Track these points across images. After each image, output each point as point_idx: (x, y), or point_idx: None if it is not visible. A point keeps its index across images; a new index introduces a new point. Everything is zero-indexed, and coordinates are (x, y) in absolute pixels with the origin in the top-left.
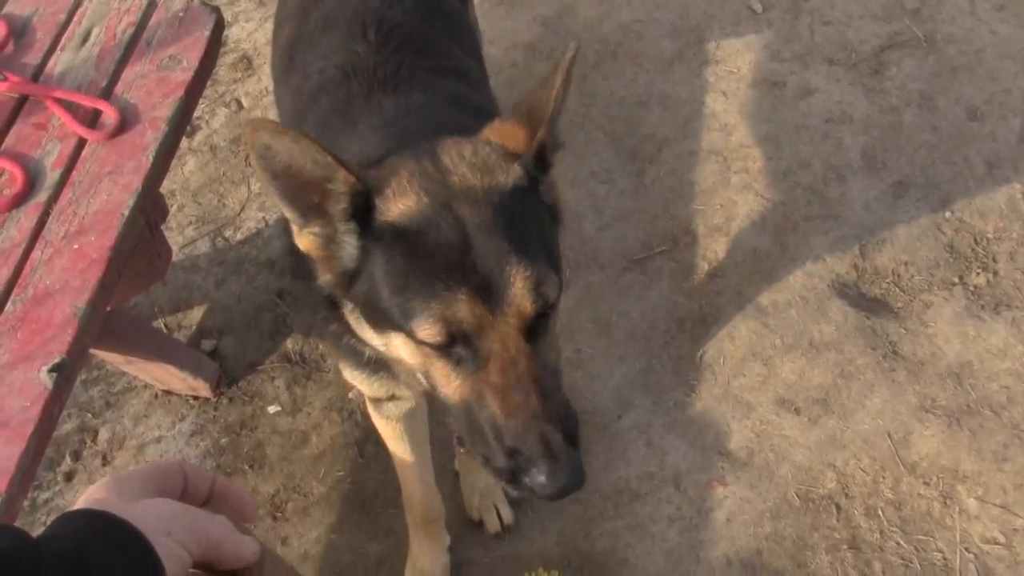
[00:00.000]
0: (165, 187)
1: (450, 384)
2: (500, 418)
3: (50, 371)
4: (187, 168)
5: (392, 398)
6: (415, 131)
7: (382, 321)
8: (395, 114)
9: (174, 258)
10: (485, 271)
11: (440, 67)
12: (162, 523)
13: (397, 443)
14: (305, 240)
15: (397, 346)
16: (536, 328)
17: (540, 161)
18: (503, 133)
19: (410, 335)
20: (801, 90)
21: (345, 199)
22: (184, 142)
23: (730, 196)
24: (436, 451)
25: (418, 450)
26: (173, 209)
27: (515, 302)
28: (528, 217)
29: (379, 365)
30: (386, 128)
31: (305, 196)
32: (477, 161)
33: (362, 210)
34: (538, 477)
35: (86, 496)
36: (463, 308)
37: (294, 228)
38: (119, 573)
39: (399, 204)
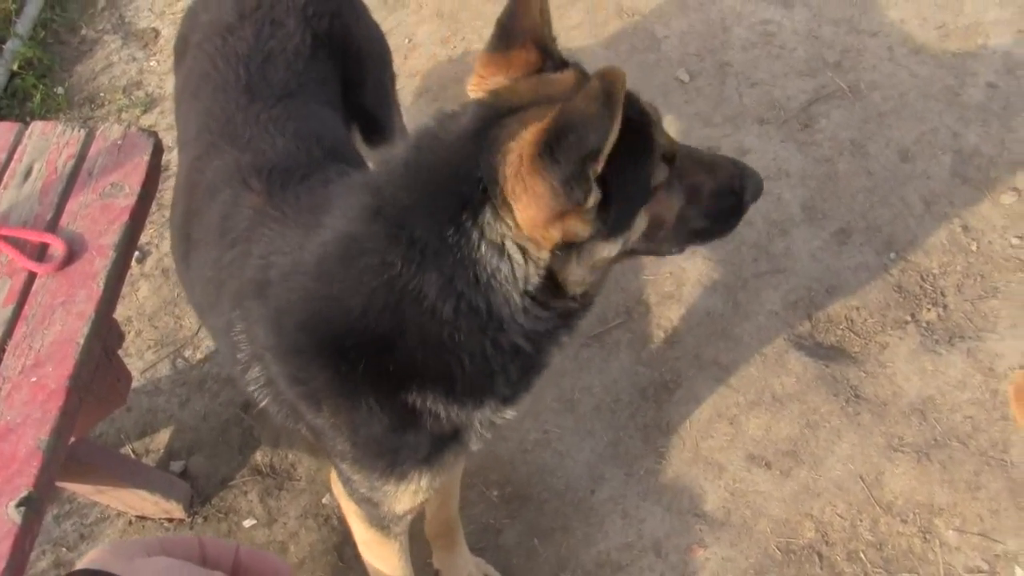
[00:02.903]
0: (121, 314)
1: (674, 206)
2: (714, 181)
3: (17, 506)
4: (141, 293)
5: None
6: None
7: (629, 214)
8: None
9: (136, 383)
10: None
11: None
12: None
13: (397, 565)
14: (580, 224)
15: (638, 225)
16: None
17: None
18: (510, 64)
19: (648, 197)
20: (736, 151)
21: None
22: (136, 268)
23: (678, 263)
24: (415, 547)
25: (407, 560)
26: (131, 335)
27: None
28: None
29: (446, 443)
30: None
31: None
32: (557, 81)
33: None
34: (756, 179)
35: (85, 559)
36: (664, 137)
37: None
38: None
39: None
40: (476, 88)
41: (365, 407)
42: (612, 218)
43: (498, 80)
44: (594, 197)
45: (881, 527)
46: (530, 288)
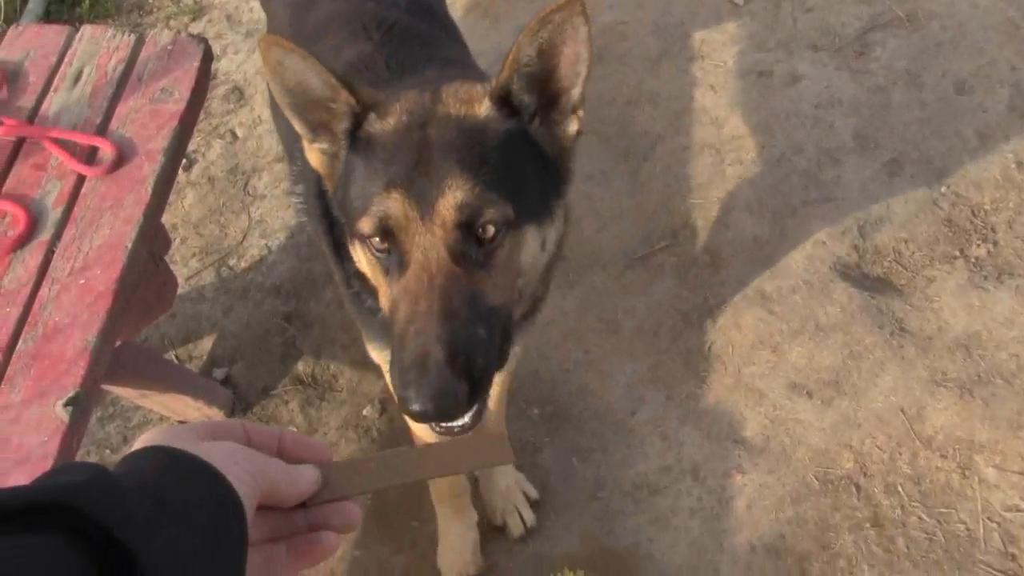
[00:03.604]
0: (167, 221)
1: (383, 291)
2: (401, 324)
3: (65, 405)
4: (187, 201)
5: None
6: None
7: (349, 226)
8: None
9: (181, 290)
10: (427, 178)
11: (447, 58)
12: (226, 456)
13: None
14: (313, 155)
15: (358, 257)
16: (470, 250)
17: (504, 101)
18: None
19: (357, 235)
20: (788, 78)
21: (347, 119)
22: (182, 176)
23: (726, 187)
24: None
25: None
26: (176, 242)
27: (441, 210)
28: (495, 147)
29: None
30: None
31: (313, 113)
32: (463, 95)
33: (358, 127)
34: (402, 391)
35: (143, 439)
36: (394, 204)
37: (304, 144)
38: (196, 500)
39: (383, 122)
40: None
41: (339, 269)
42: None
43: None
44: (322, 145)
45: (920, 461)
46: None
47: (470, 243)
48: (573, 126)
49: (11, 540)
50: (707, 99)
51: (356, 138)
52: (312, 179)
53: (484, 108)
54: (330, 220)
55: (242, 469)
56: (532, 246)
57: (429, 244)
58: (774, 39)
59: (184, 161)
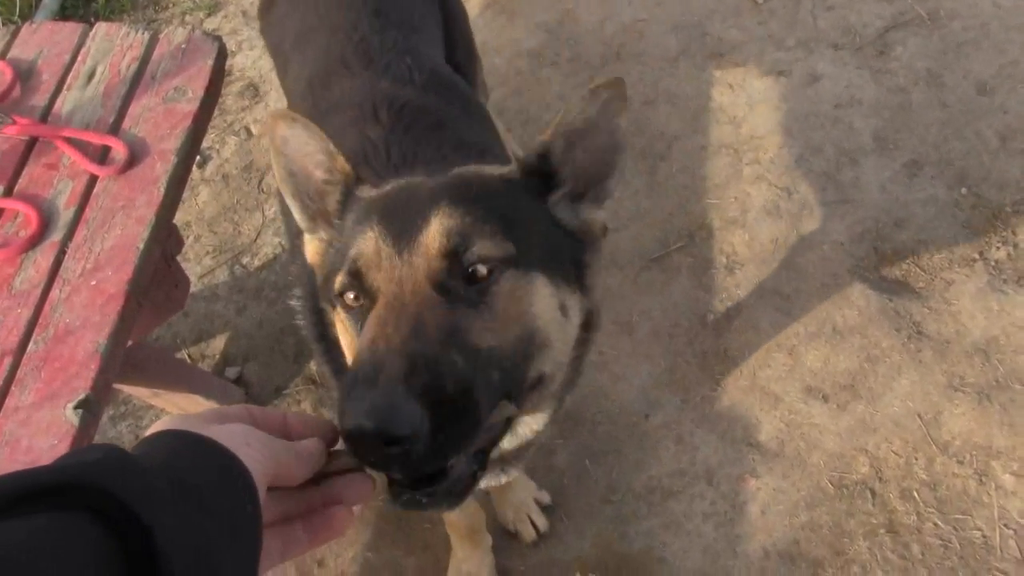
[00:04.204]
0: (181, 219)
1: (349, 344)
2: (358, 350)
3: (75, 408)
4: (201, 199)
5: None
6: None
7: (329, 299)
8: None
9: (193, 288)
10: (411, 217)
11: (463, 142)
12: (237, 438)
13: None
14: (311, 247)
15: (339, 332)
16: (455, 287)
17: (537, 167)
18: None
19: (335, 301)
20: (808, 77)
21: (339, 191)
22: (196, 173)
23: (743, 188)
24: None
25: None
26: (190, 240)
27: (424, 239)
28: (500, 197)
29: None
30: None
31: (314, 200)
32: (485, 167)
33: (349, 202)
34: (340, 407)
35: (155, 426)
36: (368, 244)
37: (305, 241)
38: (209, 479)
39: (377, 191)
40: None
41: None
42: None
43: None
44: (321, 236)
45: (936, 467)
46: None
47: (457, 278)
48: (600, 217)
49: (41, 519)
50: (725, 98)
51: (345, 206)
52: (308, 281)
53: (506, 169)
54: (318, 315)
55: (253, 449)
56: (546, 301)
57: (405, 275)
58: (794, 38)
59: (198, 158)
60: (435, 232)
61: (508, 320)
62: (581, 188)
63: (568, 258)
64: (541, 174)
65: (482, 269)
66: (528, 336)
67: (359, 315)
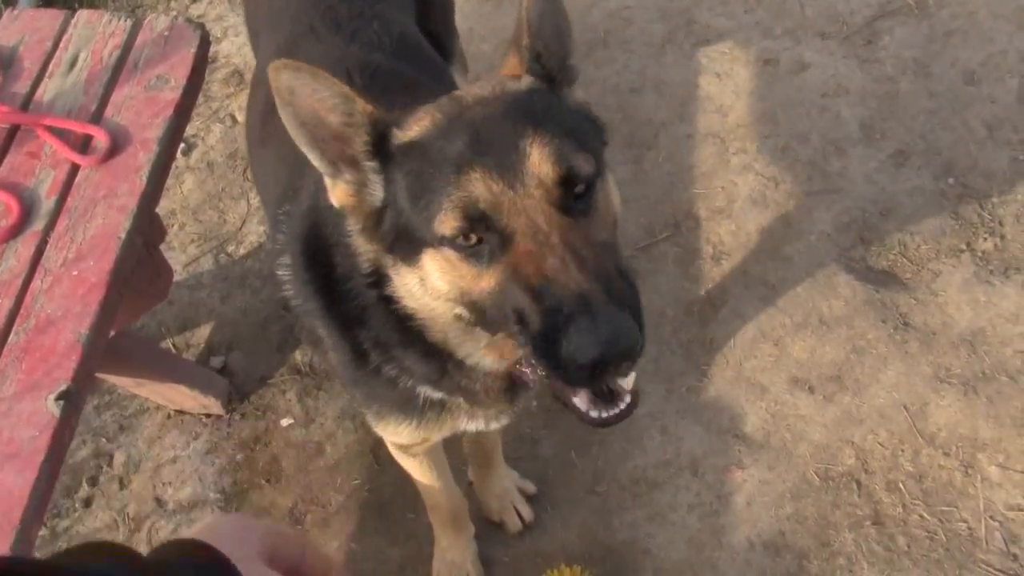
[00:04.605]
0: (165, 206)
1: (479, 282)
2: (533, 283)
3: (56, 399)
4: (186, 186)
5: (423, 442)
6: None
7: (412, 245)
8: None
9: (178, 277)
10: (500, 149)
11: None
12: None
13: (424, 473)
14: (339, 191)
15: (431, 272)
16: (572, 204)
17: (544, 69)
18: (505, 70)
19: (434, 243)
20: (795, 65)
21: (365, 131)
22: (181, 160)
23: (730, 177)
24: (449, 456)
25: (440, 468)
26: (174, 228)
27: (534, 170)
28: (549, 108)
29: (428, 407)
30: None
31: (332, 144)
32: (488, 85)
33: (382, 143)
34: (573, 337)
35: (204, 528)
36: (477, 185)
37: (328, 184)
38: None
39: (414, 127)
40: None
41: (344, 347)
42: (385, 230)
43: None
44: (346, 178)
45: (923, 458)
46: (365, 274)
47: (570, 199)
48: (581, 96)
49: None
50: (712, 87)
51: (387, 155)
52: (300, 250)
53: (524, 83)
54: (329, 291)
55: None
56: (615, 191)
57: (531, 208)
58: (781, 26)
59: (183, 146)
60: (543, 162)
61: (606, 218)
62: (558, 76)
63: (600, 142)
64: (543, 75)
65: (582, 185)
66: (615, 224)
67: (480, 252)
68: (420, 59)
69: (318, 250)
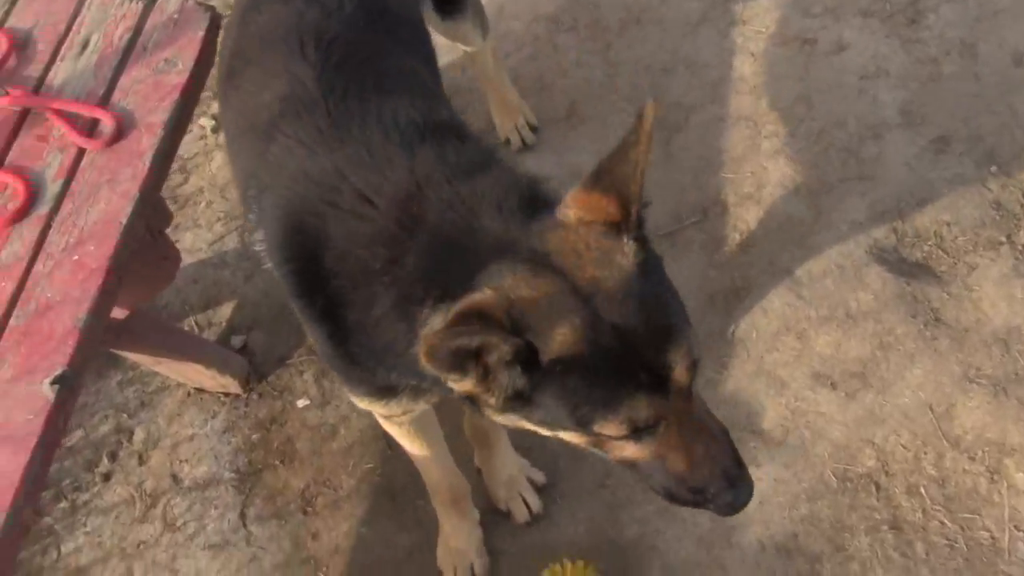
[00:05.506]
0: (193, 184)
1: (625, 451)
2: (686, 470)
3: (52, 383)
4: (214, 164)
5: (405, 413)
6: (396, 166)
7: (552, 425)
8: (364, 155)
9: (203, 255)
10: (652, 366)
11: (390, 83)
12: None
13: (411, 441)
14: (465, 386)
15: (565, 437)
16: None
17: (640, 228)
18: (590, 207)
19: (584, 431)
20: (833, 46)
21: (509, 354)
22: (211, 138)
23: (761, 162)
24: (456, 443)
25: (432, 439)
26: (202, 206)
27: (680, 380)
28: (658, 286)
29: (401, 391)
30: (361, 169)
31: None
32: (594, 254)
33: (524, 354)
34: (726, 500)
35: None
36: (644, 409)
37: (451, 384)
38: None
39: (557, 338)
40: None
41: (323, 331)
42: (529, 410)
43: (579, 214)
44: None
45: (946, 462)
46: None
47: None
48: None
49: None
50: (746, 67)
51: (538, 366)
52: (276, 225)
53: (631, 256)
54: (310, 276)
55: None
56: None
57: (680, 409)
58: (821, 4)
59: (212, 123)
60: (686, 372)
61: None
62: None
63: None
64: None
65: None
66: None
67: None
68: (385, 20)
69: (301, 237)
